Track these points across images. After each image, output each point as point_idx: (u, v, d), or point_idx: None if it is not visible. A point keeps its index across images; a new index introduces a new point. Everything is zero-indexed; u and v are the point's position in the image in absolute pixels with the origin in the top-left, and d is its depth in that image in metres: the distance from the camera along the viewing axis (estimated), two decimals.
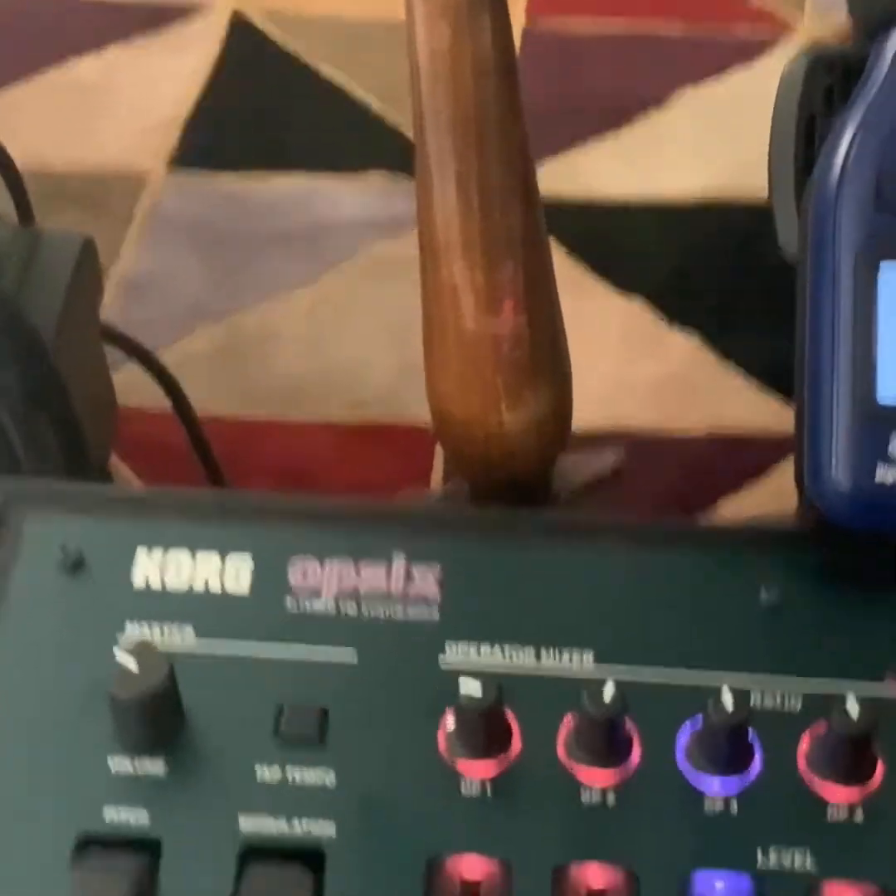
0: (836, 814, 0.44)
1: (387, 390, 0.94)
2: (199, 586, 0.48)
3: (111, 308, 0.94)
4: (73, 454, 0.55)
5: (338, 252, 1.03)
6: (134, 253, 1.02)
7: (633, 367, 0.97)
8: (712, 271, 1.02)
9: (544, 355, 0.52)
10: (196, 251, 1.03)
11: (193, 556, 0.49)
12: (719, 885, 0.43)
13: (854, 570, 0.49)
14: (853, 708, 0.43)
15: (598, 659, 0.47)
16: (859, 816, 0.44)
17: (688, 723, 0.45)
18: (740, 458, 0.90)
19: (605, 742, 0.44)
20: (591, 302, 0.99)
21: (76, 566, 0.48)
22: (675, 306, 0.98)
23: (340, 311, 1.00)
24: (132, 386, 0.82)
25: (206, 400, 0.87)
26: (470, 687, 0.44)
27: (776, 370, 0.95)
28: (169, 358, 0.87)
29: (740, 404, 0.95)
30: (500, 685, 0.44)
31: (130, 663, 0.44)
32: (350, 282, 1.01)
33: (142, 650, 0.44)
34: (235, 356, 0.98)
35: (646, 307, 0.98)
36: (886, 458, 0.46)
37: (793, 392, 0.49)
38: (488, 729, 0.44)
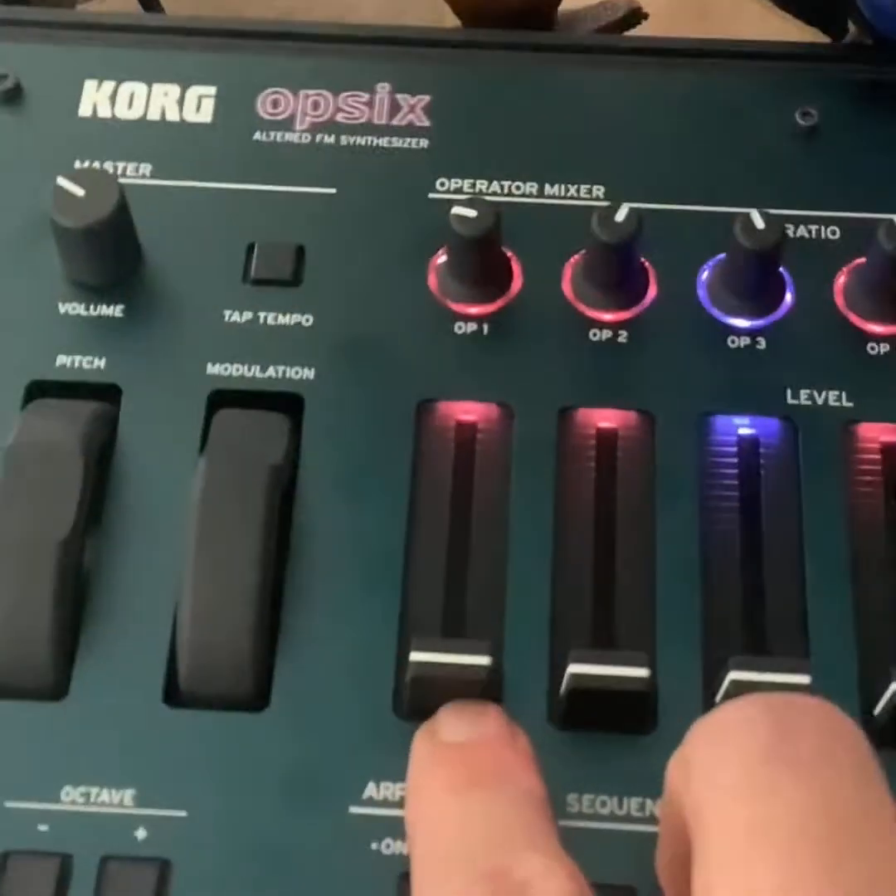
0: (876, 349, 0.39)
1: (379, 17, 0.87)
2: (155, 117, 0.43)
3: None
4: None
5: None
6: None
7: None
8: None
9: None
10: None
11: (150, 88, 0.43)
12: (745, 424, 0.39)
13: None
14: None
15: (610, 195, 0.42)
16: None
17: (711, 260, 0.40)
18: None
19: (617, 273, 0.39)
20: None
21: (12, 96, 0.42)
22: None
23: None
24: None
25: None
26: (463, 209, 0.38)
27: None
28: None
29: (757, 27, 0.88)
30: (498, 211, 0.39)
31: (75, 188, 0.38)
32: None
33: (89, 175, 0.39)
34: None
35: None
36: None
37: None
38: (484, 258, 0.39)
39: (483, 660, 0.33)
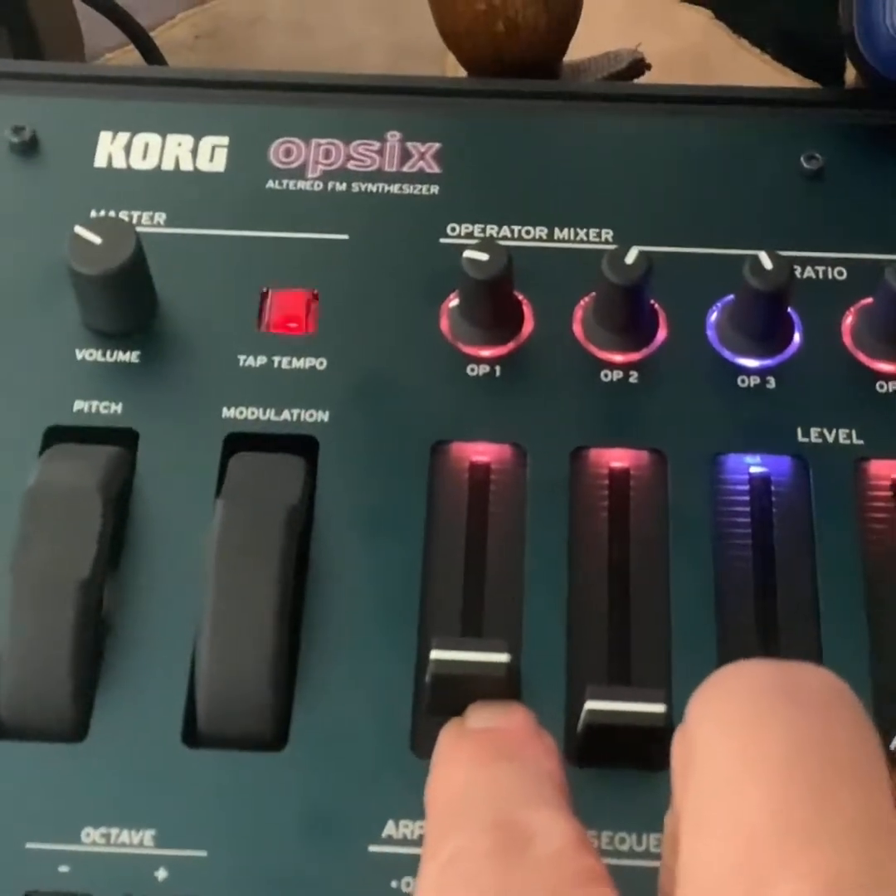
0: (885, 387, 0.40)
1: (383, 67, 0.88)
2: (169, 167, 0.43)
3: None
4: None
5: None
6: None
7: (643, 43, 0.91)
8: None
9: None
10: None
11: (164, 138, 0.44)
12: (756, 463, 0.39)
13: None
14: None
15: (619, 238, 0.42)
16: None
17: (720, 301, 0.41)
18: None
19: (627, 314, 0.40)
20: None
21: (29, 148, 0.43)
22: None
23: None
24: None
25: None
26: (475, 253, 0.39)
27: (790, 45, 0.89)
28: None
29: (755, 80, 0.89)
30: (509, 254, 0.39)
31: (92, 237, 0.39)
32: None
33: (105, 223, 0.39)
34: (219, 43, 0.91)
35: None
36: None
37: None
38: (496, 301, 0.40)
39: (502, 657, 0.32)
